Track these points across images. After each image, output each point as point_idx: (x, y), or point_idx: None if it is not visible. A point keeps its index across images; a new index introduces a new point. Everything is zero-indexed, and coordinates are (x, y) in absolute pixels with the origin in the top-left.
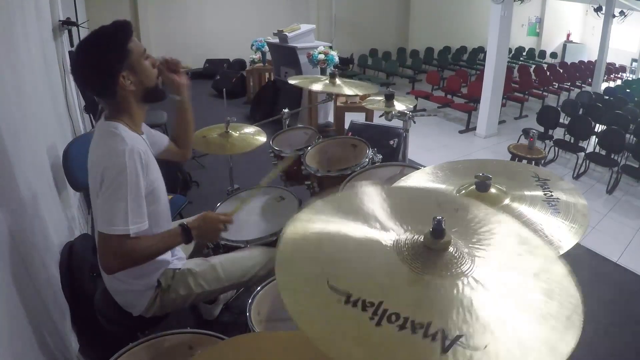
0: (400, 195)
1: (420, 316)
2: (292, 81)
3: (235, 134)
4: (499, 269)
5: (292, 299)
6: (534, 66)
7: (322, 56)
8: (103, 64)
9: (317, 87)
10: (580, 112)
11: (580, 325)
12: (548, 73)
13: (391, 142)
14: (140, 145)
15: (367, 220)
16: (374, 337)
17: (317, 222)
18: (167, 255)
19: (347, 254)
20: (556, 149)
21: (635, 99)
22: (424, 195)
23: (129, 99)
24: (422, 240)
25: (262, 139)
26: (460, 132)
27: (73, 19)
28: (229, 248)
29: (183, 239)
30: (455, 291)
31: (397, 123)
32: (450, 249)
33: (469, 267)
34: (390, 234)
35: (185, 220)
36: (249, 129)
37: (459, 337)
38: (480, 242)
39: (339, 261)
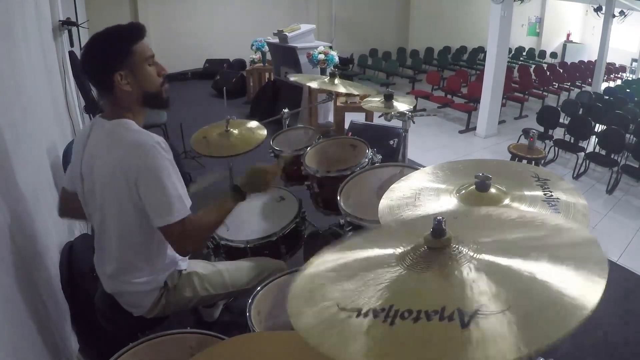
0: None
1: (433, 305)
2: (292, 77)
3: (235, 131)
4: (507, 243)
5: (320, 341)
6: (534, 66)
7: (322, 56)
8: (102, 58)
9: (316, 84)
10: (580, 112)
11: (605, 275)
12: (548, 73)
13: (391, 142)
14: None
15: (367, 255)
16: (390, 337)
17: (319, 271)
18: (175, 256)
19: (354, 282)
20: (556, 149)
21: (635, 99)
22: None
23: (127, 99)
24: (422, 244)
25: (263, 132)
26: (460, 132)
27: (73, 19)
28: (229, 248)
29: (238, 198)
30: (465, 273)
31: (396, 123)
32: (453, 244)
33: (476, 252)
34: (392, 253)
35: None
36: (250, 124)
37: (477, 309)
38: (487, 232)
39: (347, 291)
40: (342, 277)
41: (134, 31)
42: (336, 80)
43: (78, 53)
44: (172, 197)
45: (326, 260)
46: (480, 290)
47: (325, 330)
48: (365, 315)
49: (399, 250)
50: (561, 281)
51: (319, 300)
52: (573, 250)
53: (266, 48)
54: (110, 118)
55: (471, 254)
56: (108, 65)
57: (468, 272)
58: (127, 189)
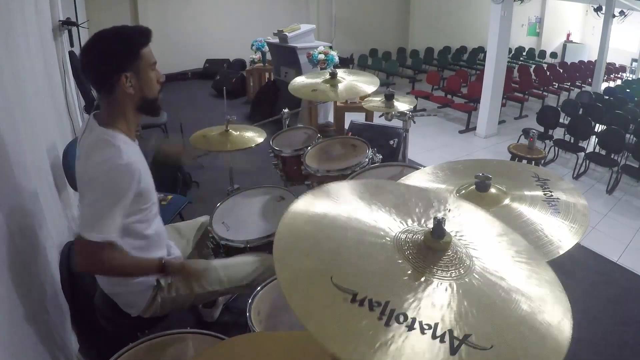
0: (391, 192)
1: (427, 317)
2: (291, 90)
3: (236, 133)
4: (496, 271)
5: (296, 297)
6: (534, 66)
7: (322, 56)
8: (111, 57)
9: (319, 95)
10: (580, 112)
11: (571, 328)
12: (548, 73)
13: (391, 142)
14: (136, 154)
15: (364, 215)
16: (383, 337)
17: (313, 215)
18: (163, 254)
19: (348, 249)
20: (556, 149)
21: (635, 99)
22: (416, 193)
23: (126, 102)
24: (422, 239)
25: (261, 139)
26: (460, 132)
27: (73, 19)
28: (229, 248)
29: (158, 273)
30: (459, 291)
31: (397, 123)
32: (450, 250)
33: (469, 268)
34: (389, 230)
35: (168, 257)
36: (250, 133)
37: (466, 336)
38: (474, 243)
39: (340, 257)
40: (335, 240)
41: (143, 35)
42: (339, 77)
43: (78, 53)
44: (103, 215)
45: (319, 207)
46: (470, 316)
47: (318, 308)
48: (361, 303)
49: (395, 232)
50: (528, 341)
51: (308, 254)
52: (546, 319)
53: (266, 48)
54: (101, 123)
55: (465, 269)
56: (116, 64)
57: (462, 290)
58: (85, 192)
